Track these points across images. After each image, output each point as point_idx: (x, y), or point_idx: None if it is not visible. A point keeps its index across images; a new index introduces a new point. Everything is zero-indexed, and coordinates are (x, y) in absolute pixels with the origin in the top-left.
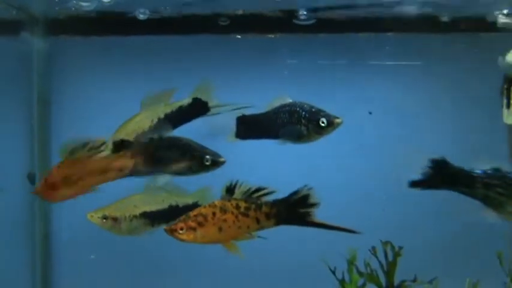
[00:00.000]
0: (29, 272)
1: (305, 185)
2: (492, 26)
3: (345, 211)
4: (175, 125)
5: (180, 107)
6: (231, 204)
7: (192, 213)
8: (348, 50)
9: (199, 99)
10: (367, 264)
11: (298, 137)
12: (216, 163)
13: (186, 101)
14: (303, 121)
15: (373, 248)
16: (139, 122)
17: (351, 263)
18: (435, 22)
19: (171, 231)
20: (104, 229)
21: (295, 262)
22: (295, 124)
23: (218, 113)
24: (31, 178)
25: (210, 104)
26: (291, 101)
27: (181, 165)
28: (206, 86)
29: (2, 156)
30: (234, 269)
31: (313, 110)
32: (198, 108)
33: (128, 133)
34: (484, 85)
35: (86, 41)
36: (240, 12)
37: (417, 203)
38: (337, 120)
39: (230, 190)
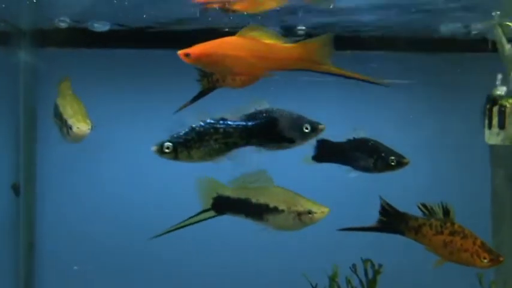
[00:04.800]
0: (12, 281)
1: None
2: None
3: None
4: None
5: None
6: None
7: None
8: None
9: None
10: (348, 281)
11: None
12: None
13: None
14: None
15: (354, 265)
16: None
17: (332, 279)
18: None
19: None
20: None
21: (276, 277)
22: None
23: None
24: (15, 189)
25: None
26: (267, 106)
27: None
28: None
29: None
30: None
31: (295, 116)
32: None
33: None
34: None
35: (72, 53)
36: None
37: None
38: (321, 126)
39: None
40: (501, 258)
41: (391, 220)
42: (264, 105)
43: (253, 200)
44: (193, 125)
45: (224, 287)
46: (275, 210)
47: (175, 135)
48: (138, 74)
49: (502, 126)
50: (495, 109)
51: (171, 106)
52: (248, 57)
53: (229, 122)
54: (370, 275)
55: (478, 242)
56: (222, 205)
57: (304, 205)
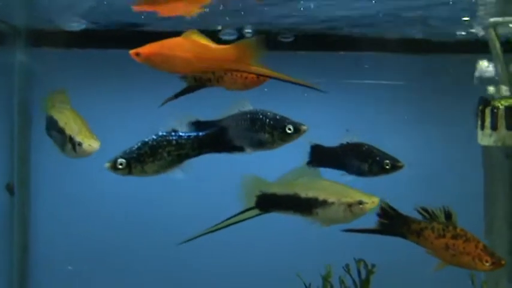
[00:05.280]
0: (6, 282)
1: None
2: None
3: None
4: None
5: None
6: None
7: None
8: (325, 68)
9: None
10: (341, 281)
11: (261, 144)
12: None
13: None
14: (267, 128)
15: (347, 265)
16: None
17: (325, 279)
18: None
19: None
20: None
21: (271, 277)
22: (258, 132)
23: None
24: (10, 189)
25: None
26: (251, 107)
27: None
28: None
29: None
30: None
31: (278, 117)
32: None
33: None
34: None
35: (67, 53)
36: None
37: None
38: (304, 127)
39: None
40: (503, 262)
41: (392, 223)
42: (247, 106)
43: (302, 195)
44: (146, 139)
45: (218, 286)
46: (325, 203)
47: (127, 151)
48: (133, 74)
49: (494, 127)
50: (487, 110)
51: (167, 106)
52: (191, 57)
53: (180, 134)
54: (363, 275)
55: (480, 246)
56: (267, 202)
57: (354, 196)
